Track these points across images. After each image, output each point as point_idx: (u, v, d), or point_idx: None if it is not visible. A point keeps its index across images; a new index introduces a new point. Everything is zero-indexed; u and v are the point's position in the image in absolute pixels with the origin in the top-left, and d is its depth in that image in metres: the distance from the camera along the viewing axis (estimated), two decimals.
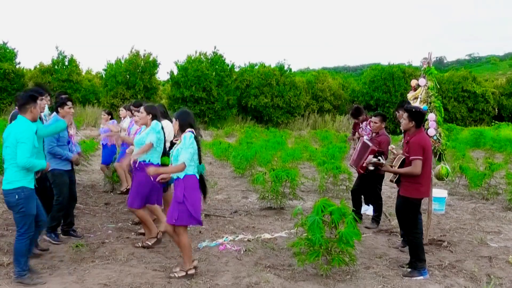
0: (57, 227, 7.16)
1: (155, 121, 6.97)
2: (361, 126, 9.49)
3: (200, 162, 5.79)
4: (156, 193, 7.04)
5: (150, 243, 6.93)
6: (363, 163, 8.01)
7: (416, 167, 6.11)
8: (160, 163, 6.90)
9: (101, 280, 5.60)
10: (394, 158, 6.67)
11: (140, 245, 6.97)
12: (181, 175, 5.69)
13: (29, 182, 5.51)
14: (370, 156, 7.93)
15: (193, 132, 5.75)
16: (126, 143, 9.11)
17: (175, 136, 7.26)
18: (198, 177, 5.76)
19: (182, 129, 5.79)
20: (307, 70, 72.78)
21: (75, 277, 5.67)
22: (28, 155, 5.35)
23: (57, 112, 7.01)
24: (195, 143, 5.68)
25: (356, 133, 9.56)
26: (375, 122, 8.45)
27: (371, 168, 7.80)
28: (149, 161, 6.83)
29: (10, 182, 5.43)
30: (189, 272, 5.80)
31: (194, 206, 5.66)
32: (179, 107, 32.47)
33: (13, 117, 9.69)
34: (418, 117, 6.25)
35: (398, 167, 6.43)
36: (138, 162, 6.88)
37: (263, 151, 15.67)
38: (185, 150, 5.61)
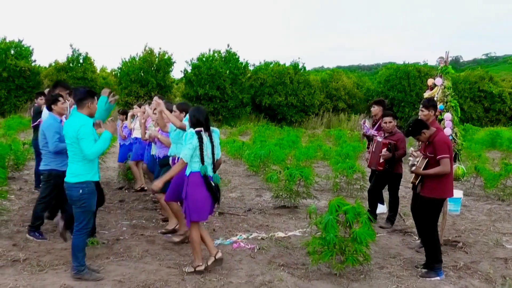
0: (41, 225, 7.13)
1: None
2: (364, 124, 9.37)
3: (203, 162, 5.65)
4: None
5: (176, 239, 7.03)
6: (379, 159, 8.06)
7: (446, 165, 6.07)
8: None
9: (115, 276, 5.63)
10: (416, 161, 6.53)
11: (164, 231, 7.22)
12: (187, 172, 5.71)
13: (94, 176, 5.58)
14: (384, 150, 7.98)
15: (200, 131, 5.68)
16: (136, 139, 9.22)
17: None
18: (202, 176, 5.68)
19: (191, 125, 5.80)
20: (321, 69, 72.70)
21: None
22: (91, 146, 5.40)
23: (51, 110, 6.94)
24: (195, 139, 5.60)
25: (364, 130, 9.44)
26: (390, 122, 8.38)
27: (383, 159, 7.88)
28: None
29: (76, 175, 5.46)
30: (197, 269, 5.82)
31: (195, 203, 5.65)
32: (193, 105, 32.53)
33: (35, 111, 9.85)
34: (424, 124, 6.22)
35: (423, 169, 6.34)
36: (176, 157, 6.84)
37: (277, 150, 15.64)
38: (184, 147, 5.64)
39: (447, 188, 6.27)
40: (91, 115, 5.67)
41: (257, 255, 6.70)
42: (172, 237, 7.11)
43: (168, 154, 7.18)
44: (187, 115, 6.90)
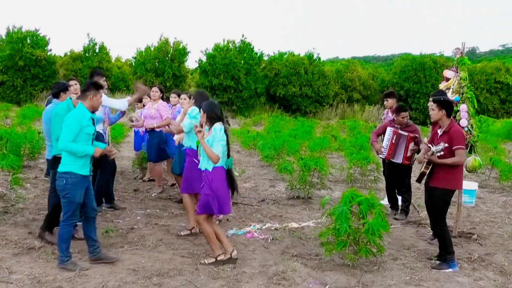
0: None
1: (192, 107, 7.06)
2: (384, 114, 9.39)
3: (228, 156, 5.73)
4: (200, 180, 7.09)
5: (182, 233, 7.00)
6: (407, 153, 8.03)
7: (462, 156, 6.11)
8: None
9: (130, 265, 5.67)
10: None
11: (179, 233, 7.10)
12: (210, 167, 5.70)
13: (79, 168, 5.48)
14: (412, 144, 7.96)
15: (221, 125, 5.74)
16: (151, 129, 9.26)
17: None
18: (225, 170, 5.75)
19: (210, 122, 5.78)
20: (336, 60, 72.21)
21: (104, 262, 5.74)
22: (69, 139, 5.34)
23: (58, 98, 6.82)
24: (225, 136, 5.67)
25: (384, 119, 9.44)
26: (407, 116, 8.34)
27: (398, 161, 7.86)
28: (190, 146, 6.93)
29: (62, 165, 5.47)
30: (218, 258, 5.83)
31: (221, 198, 5.68)
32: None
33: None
34: (446, 105, 6.16)
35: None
36: (184, 148, 6.94)
37: (291, 140, 15.63)
38: (216, 143, 5.61)
39: (459, 179, 6.26)
40: (92, 108, 5.64)
41: (270, 246, 6.72)
42: (180, 232, 7.09)
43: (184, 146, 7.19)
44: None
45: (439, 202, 6.23)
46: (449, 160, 6.13)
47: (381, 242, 5.99)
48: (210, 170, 5.69)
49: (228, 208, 5.86)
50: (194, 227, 7.03)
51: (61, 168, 5.47)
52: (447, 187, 6.17)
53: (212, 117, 5.76)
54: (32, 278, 5.19)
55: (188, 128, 6.85)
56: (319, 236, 6.23)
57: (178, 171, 7.97)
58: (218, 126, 5.69)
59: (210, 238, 5.85)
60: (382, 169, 9.55)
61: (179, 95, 9.16)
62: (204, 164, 5.77)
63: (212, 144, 5.62)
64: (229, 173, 5.76)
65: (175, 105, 9.45)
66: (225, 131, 5.72)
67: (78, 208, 5.58)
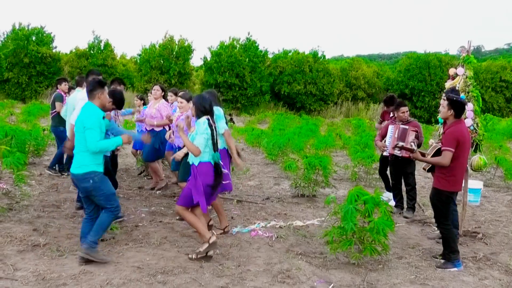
0: None
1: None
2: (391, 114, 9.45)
3: (214, 150, 5.75)
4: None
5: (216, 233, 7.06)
6: (397, 144, 8.10)
7: (444, 158, 5.97)
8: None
9: (134, 263, 5.67)
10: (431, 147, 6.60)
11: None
12: (196, 161, 5.74)
13: (98, 166, 5.53)
14: (412, 136, 8.00)
15: (208, 119, 5.76)
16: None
17: None
18: (213, 164, 5.79)
19: (198, 114, 5.82)
20: (341, 58, 72.20)
21: (109, 259, 5.74)
22: (97, 139, 5.37)
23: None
24: (209, 129, 5.68)
25: (385, 121, 9.48)
26: (407, 111, 8.48)
27: (398, 152, 7.87)
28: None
29: (80, 166, 5.45)
30: (210, 241, 5.80)
31: (204, 191, 5.71)
32: None
33: (55, 99, 10.09)
34: (458, 106, 6.09)
35: (432, 157, 6.34)
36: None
37: (296, 138, 15.61)
38: (199, 136, 5.65)
39: (454, 182, 6.10)
40: (102, 106, 5.65)
41: (275, 244, 6.71)
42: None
43: None
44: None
45: (433, 200, 6.28)
46: (430, 159, 6.23)
47: (386, 241, 5.98)
48: (196, 164, 5.73)
49: (200, 199, 5.79)
50: (227, 226, 7.09)
51: (81, 170, 5.45)
52: (439, 187, 6.15)
53: (200, 110, 5.81)
54: (36, 275, 5.19)
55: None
56: (324, 235, 6.21)
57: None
58: (202, 120, 5.74)
59: (195, 224, 5.87)
60: (380, 168, 9.61)
61: (176, 94, 9.21)
62: (191, 158, 5.82)
63: (194, 137, 5.69)
64: (217, 168, 5.76)
65: (172, 103, 9.45)
66: (211, 126, 5.74)
67: (117, 197, 5.70)
